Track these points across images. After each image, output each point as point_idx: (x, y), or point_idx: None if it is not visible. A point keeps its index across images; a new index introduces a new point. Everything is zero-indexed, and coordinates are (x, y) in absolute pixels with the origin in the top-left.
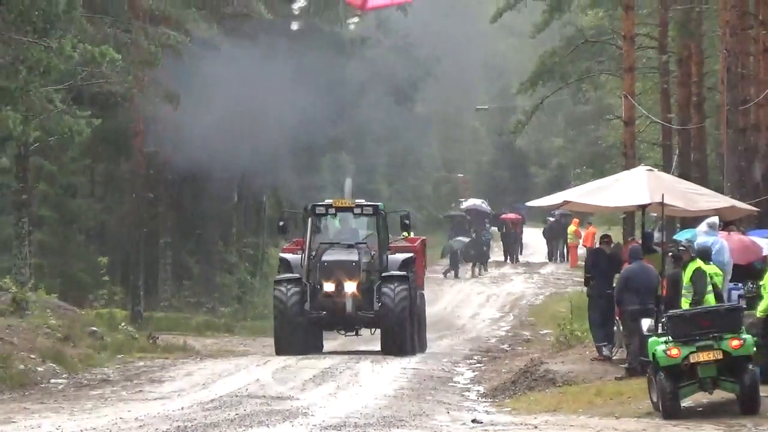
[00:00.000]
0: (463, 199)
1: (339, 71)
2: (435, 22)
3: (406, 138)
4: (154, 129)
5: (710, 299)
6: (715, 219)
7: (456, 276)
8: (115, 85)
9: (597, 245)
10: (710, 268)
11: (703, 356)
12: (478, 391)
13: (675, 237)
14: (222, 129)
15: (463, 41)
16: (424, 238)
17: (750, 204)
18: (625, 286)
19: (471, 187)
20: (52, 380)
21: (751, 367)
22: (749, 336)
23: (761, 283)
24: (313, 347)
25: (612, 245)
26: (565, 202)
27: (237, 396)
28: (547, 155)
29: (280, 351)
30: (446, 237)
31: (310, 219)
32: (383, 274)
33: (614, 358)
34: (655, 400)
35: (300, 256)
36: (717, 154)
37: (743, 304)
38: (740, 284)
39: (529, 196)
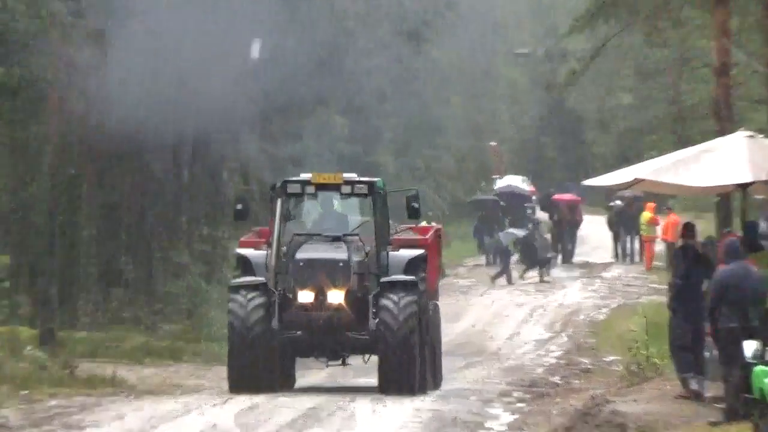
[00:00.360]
0: (497, 176)
1: (330, 5)
2: None
3: (419, 94)
4: (76, 81)
5: None
6: None
7: (509, 282)
8: (23, 20)
9: (681, 240)
10: None
11: None
12: None
13: None
14: (165, 81)
15: None
16: (439, 226)
17: None
18: (720, 296)
19: (507, 160)
20: None
21: None
22: None
23: None
24: (283, 381)
25: (703, 241)
26: (637, 181)
27: None
28: (612, 117)
29: (235, 387)
30: (472, 229)
31: (280, 201)
32: (382, 280)
33: (706, 394)
34: None
35: (266, 252)
36: None
37: None
38: None
39: (587, 172)
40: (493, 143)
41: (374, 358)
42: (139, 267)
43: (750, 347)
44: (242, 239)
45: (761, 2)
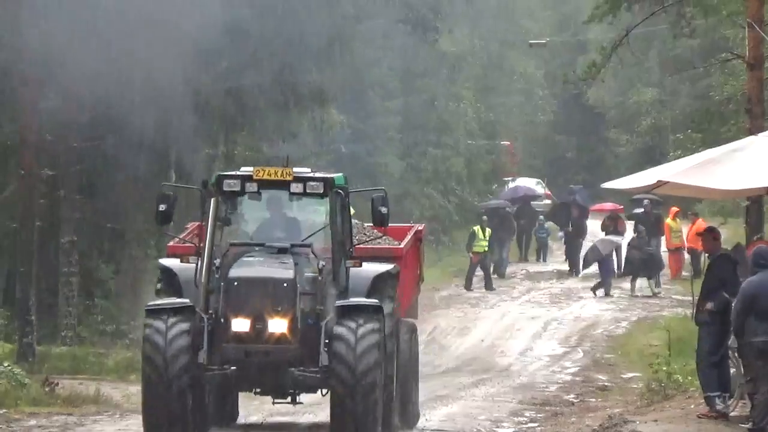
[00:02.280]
0: (510, 178)
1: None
2: None
3: (426, 88)
4: (49, 70)
5: None
6: None
7: (607, 293)
8: None
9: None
10: None
11: None
12: None
13: None
14: (144, 69)
15: None
16: (419, 227)
17: None
18: (748, 307)
19: (521, 160)
20: None
21: None
22: None
23: None
24: (222, 416)
25: (731, 248)
26: (660, 184)
27: None
28: (635, 114)
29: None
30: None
31: (213, 201)
32: (338, 303)
33: (732, 413)
34: None
35: (195, 264)
36: None
37: None
38: None
39: (608, 173)
40: (506, 142)
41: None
42: (123, 276)
43: None
44: (171, 244)
45: None
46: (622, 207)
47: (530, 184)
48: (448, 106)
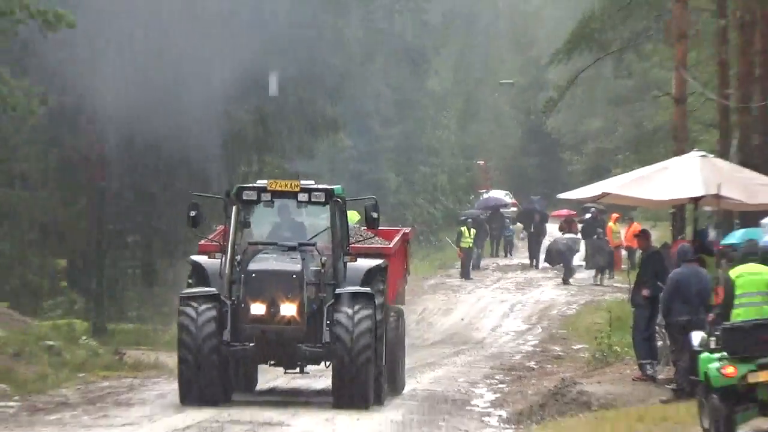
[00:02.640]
0: (484, 191)
1: (338, 36)
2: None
3: (417, 118)
4: (114, 106)
5: (761, 310)
6: None
7: (566, 282)
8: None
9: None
10: (750, 276)
11: (764, 376)
12: (500, 416)
13: (734, 236)
14: (195, 103)
15: (490, 5)
16: (406, 231)
17: None
18: (673, 293)
19: (493, 176)
20: (2, 403)
21: None
22: None
23: None
24: (245, 384)
25: (660, 246)
26: (604, 195)
27: (218, 421)
28: (584, 139)
29: (186, 399)
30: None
31: (235, 208)
32: (337, 291)
33: (659, 377)
34: (707, 426)
35: (220, 260)
36: None
37: None
38: None
39: (562, 187)
40: (480, 162)
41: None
42: (174, 268)
43: (697, 337)
44: (202, 242)
45: (715, 39)
46: (575, 213)
47: (500, 195)
48: (434, 133)
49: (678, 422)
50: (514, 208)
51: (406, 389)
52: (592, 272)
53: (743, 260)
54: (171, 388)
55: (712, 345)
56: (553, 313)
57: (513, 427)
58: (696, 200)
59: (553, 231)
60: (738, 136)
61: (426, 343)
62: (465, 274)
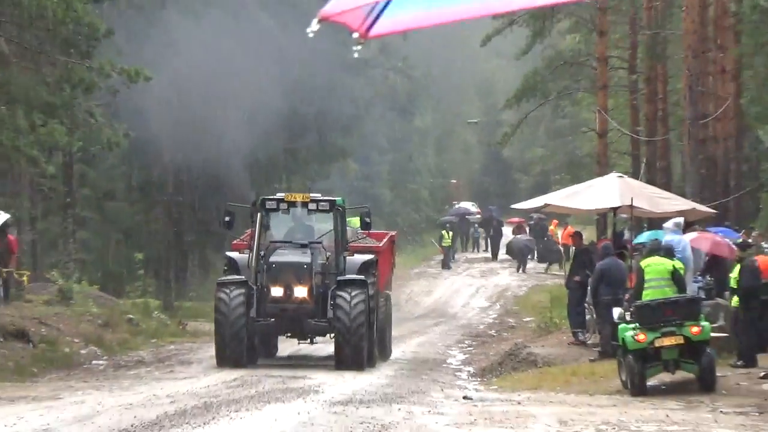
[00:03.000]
0: (456, 202)
1: (347, 89)
2: (432, 45)
3: (405, 148)
4: (181, 136)
5: (668, 291)
6: (680, 219)
7: (523, 271)
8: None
9: (576, 245)
10: (655, 266)
11: (667, 341)
12: (469, 371)
13: (644, 235)
14: (238, 136)
15: (457, 62)
16: (392, 234)
17: (708, 206)
18: (599, 279)
19: (462, 191)
20: (94, 361)
21: (708, 350)
22: (707, 323)
23: (732, 276)
24: (267, 352)
25: (588, 244)
26: (546, 205)
27: (256, 376)
28: (530, 163)
29: (221, 362)
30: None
31: (259, 214)
32: (339, 278)
33: (588, 342)
34: (623, 379)
35: (248, 255)
36: (680, 162)
37: (702, 295)
38: (700, 278)
39: (514, 199)
40: (453, 180)
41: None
42: (221, 261)
43: (617, 312)
44: (235, 242)
45: (628, 89)
46: (524, 219)
47: (467, 205)
48: (419, 159)
49: (602, 376)
50: (478, 216)
51: (398, 352)
52: (543, 265)
53: (650, 254)
54: None
55: (628, 318)
56: (508, 294)
57: (478, 379)
58: (614, 209)
59: (507, 233)
60: (645, 161)
61: (412, 317)
62: (445, 266)
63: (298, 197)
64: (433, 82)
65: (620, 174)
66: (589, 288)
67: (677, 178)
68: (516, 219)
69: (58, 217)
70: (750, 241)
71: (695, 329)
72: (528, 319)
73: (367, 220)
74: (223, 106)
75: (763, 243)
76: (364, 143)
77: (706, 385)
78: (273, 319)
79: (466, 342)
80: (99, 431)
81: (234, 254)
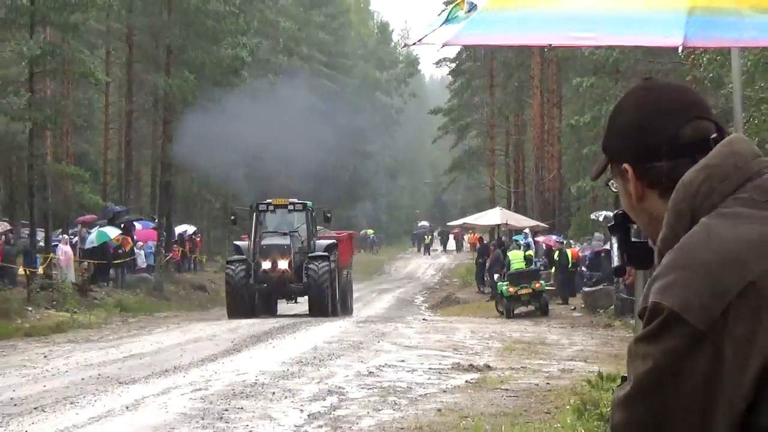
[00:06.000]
0: (418, 222)
1: (365, 166)
2: (405, 142)
3: (393, 194)
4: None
5: (522, 265)
6: (527, 230)
7: (420, 251)
8: None
9: (479, 243)
10: (517, 254)
11: (524, 291)
12: (426, 306)
13: (513, 237)
14: (285, 173)
15: (419, 152)
16: (352, 232)
17: (546, 223)
18: (494, 261)
19: (422, 216)
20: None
21: (544, 295)
22: (543, 282)
23: (555, 258)
24: (268, 310)
25: (486, 242)
26: (465, 223)
27: (267, 324)
28: (456, 202)
29: (231, 315)
30: (411, 238)
31: (254, 214)
32: (310, 255)
33: (485, 292)
34: (500, 310)
35: (248, 242)
36: (531, 201)
37: (541, 267)
38: (541, 259)
39: (448, 220)
40: (417, 210)
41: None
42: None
43: (496, 276)
44: (243, 236)
45: (505, 165)
46: (459, 231)
47: (425, 223)
48: (400, 199)
49: (491, 309)
50: (434, 231)
51: (390, 296)
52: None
53: (512, 248)
54: None
55: (502, 280)
56: (445, 267)
57: (430, 311)
58: (499, 225)
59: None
60: (513, 201)
61: (397, 279)
62: (426, 253)
63: (282, 201)
64: (407, 161)
65: (501, 207)
66: (486, 265)
67: (529, 209)
68: (456, 231)
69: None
70: (563, 240)
71: (537, 285)
72: (456, 280)
73: (328, 215)
74: (293, 171)
75: (572, 241)
76: (373, 192)
77: (543, 312)
78: (265, 285)
79: (424, 292)
80: (240, 336)
81: (239, 242)
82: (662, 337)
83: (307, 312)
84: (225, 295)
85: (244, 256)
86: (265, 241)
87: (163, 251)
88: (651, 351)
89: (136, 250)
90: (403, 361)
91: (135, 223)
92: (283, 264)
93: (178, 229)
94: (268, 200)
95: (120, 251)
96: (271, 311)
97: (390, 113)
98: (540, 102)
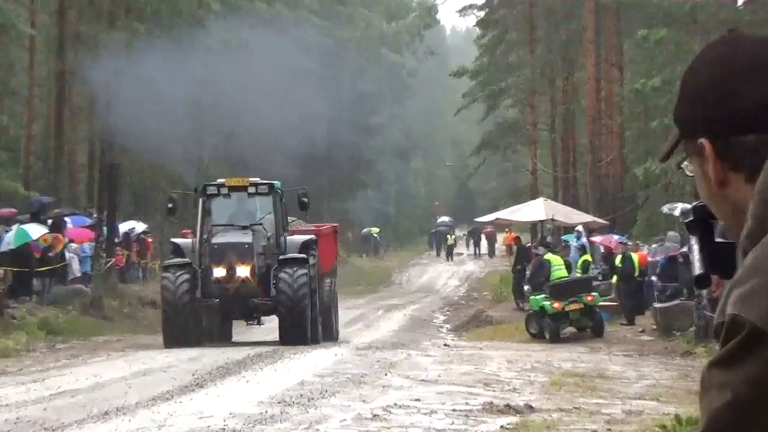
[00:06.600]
0: (437, 216)
1: (368, 145)
2: (420, 114)
3: (405, 180)
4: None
5: (563, 273)
6: (580, 227)
7: (440, 256)
8: None
9: (516, 245)
10: (557, 258)
11: (573, 306)
12: (447, 327)
13: (562, 237)
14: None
15: (438, 126)
16: (336, 224)
17: (604, 219)
18: (536, 270)
19: (442, 210)
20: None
21: (598, 310)
22: (597, 293)
23: (616, 264)
24: (222, 337)
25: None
26: (498, 219)
27: (226, 353)
28: (486, 191)
29: (168, 343)
30: (428, 242)
31: (201, 200)
32: (280, 258)
33: (526, 309)
34: (532, 332)
35: (192, 240)
36: (584, 191)
37: (599, 276)
38: (599, 266)
39: (475, 215)
40: (437, 203)
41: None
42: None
43: (529, 289)
44: (182, 232)
45: (550, 143)
46: (493, 230)
47: (446, 219)
48: (414, 189)
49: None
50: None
51: (399, 315)
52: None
53: (553, 251)
54: None
55: (539, 292)
56: (473, 276)
57: (453, 333)
58: (542, 221)
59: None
60: (561, 190)
61: (410, 292)
62: (448, 258)
63: (239, 182)
64: (422, 138)
65: (545, 198)
66: (526, 274)
67: (582, 201)
68: (488, 229)
69: None
70: (628, 242)
71: (590, 297)
72: (486, 293)
73: (304, 200)
74: (275, 151)
75: (639, 243)
76: (376, 177)
77: (597, 334)
78: (217, 300)
79: (446, 309)
80: (204, 367)
81: (179, 240)
82: (743, 361)
83: (277, 339)
84: (162, 314)
85: (187, 260)
86: (217, 239)
87: (104, 256)
88: (729, 378)
89: (67, 254)
90: (418, 400)
91: (67, 218)
92: (242, 271)
93: (123, 227)
94: (220, 180)
95: (48, 255)
96: (224, 337)
97: (400, 76)
98: (595, 61)
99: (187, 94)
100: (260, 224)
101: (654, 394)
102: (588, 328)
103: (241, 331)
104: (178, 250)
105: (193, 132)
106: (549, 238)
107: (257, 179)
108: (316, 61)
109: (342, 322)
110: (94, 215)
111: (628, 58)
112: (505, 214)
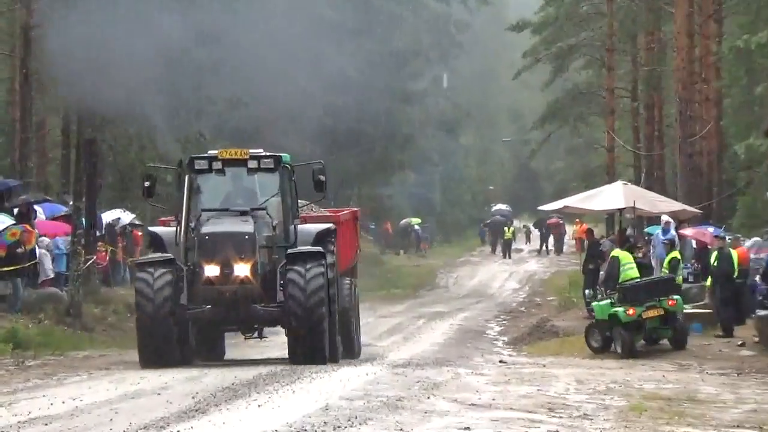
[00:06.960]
0: (492, 204)
1: (406, 114)
2: (472, 78)
3: (452, 160)
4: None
5: (635, 274)
6: (668, 218)
7: (495, 252)
8: None
9: (588, 239)
10: (626, 255)
11: (652, 313)
12: (504, 340)
13: (646, 230)
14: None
15: (494, 92)
16: (356, 209)
17: (696, 208)
18: (612, 269)
19: (498, 195)
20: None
21: (679, 317)
22: (679, 297)
23: (712, 262)
24: (211, 353)
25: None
26: (566, 207)
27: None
28: (552, 173)
29: (145, 363)
30: (480, 235)
31: (188, 177)
32: (289, 252)
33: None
34: (594, 345)
35: (176, 229)
36: (673, 172)
37: (691, 279)
38: (690, 265)
39: (539, 202)
40: (491, 187)
41: None
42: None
43: (590, 293)
44: (161, 219)
45: (631, 114)
46: (562, 221)
47: (503, 207)
48: (463, 169)
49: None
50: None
51: (445, 325)
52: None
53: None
54: None
55: (603, 295)
56: (535, 277)
57: (511, 347)
58: (620, 210)
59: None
60: (645, 171)
61: (458, 297)
62: (505, 255)
63: (236, 154)
64: (474, 108)
65: (625, 182)
66: (601, 274)
67: (670, 185)
68: (553, 220)
69: None
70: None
71: (671, 302)
72: (551, 298)
73: (321, 177)
74: (292, 124)
75: (740, 237)
76: (419, 157)
77: (678, 346)
78: (209, 306)
79: (502, 317)
80: (206, 388)
81: (158, 229)
82: None
83: (286, 356)
84: (136, 325)
85: (169, 255)
86: (209, 228)
87: (83, 252)
88: None
89: (38, 251)
90: (468, 429)
91: (37, 207)
92: (241, 269)
93: (106, 217)
94: (212, 152)
95: (16, 252)
96: (215, 353)
97: (447, 31)
98: (687, 12)
99: (184, 50)
100: (263, 209)
101: (756, 421)
102: (666, 338)
103: (235, 344)
104: (157, 242)
105: (191, 100)
106: (629, 231)
107: (259, 151)
108: (343, 12)
109: (374, 334)
110: (70, 203)
111: (727, 9)
112: (575, 201)
